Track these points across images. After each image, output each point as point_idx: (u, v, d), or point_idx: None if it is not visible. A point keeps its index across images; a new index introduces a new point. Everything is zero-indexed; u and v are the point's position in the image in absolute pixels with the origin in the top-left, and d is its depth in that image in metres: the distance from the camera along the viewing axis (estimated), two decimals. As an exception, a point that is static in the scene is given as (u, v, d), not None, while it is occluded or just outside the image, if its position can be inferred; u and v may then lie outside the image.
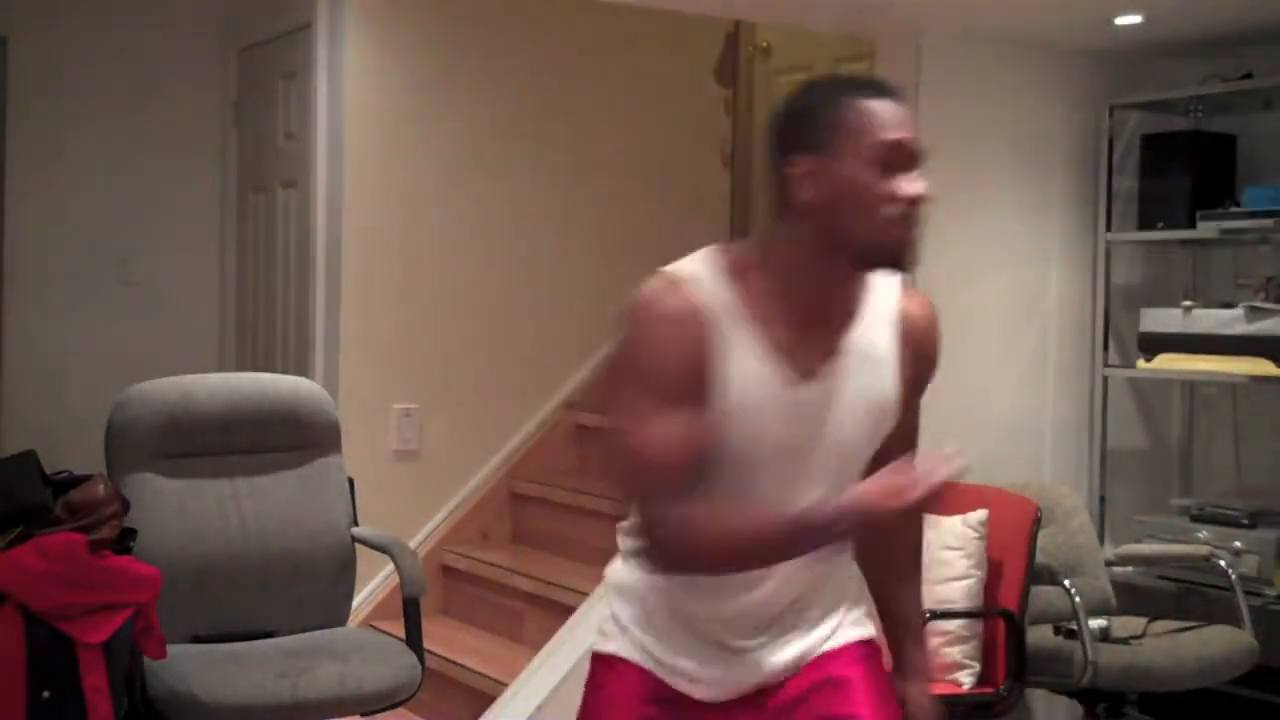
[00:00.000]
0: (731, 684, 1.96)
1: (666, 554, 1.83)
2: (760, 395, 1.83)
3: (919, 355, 1.95)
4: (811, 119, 1.82)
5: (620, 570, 2.02)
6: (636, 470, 1.81)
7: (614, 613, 2.01)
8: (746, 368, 1.82)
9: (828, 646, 1.99)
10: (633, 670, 1.97)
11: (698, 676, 1.95)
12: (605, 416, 1.80)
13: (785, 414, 1.85)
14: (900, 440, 1.97)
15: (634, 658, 1.97)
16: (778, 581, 1.91)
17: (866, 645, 2.04)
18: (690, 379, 1.80)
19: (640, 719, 1.95)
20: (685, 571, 1.88)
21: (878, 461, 1.90)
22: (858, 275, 1.88)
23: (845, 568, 2.04)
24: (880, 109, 1.81)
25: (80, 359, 4.86)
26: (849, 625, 2.03)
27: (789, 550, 1.83)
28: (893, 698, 2.02)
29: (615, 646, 1.99)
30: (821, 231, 1.82)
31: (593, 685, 2.04)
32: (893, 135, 1.81)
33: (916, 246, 1.85)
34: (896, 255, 1.83)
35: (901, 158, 1.82)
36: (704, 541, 1.80)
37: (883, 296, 1.93)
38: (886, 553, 2.09)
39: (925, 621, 2.01)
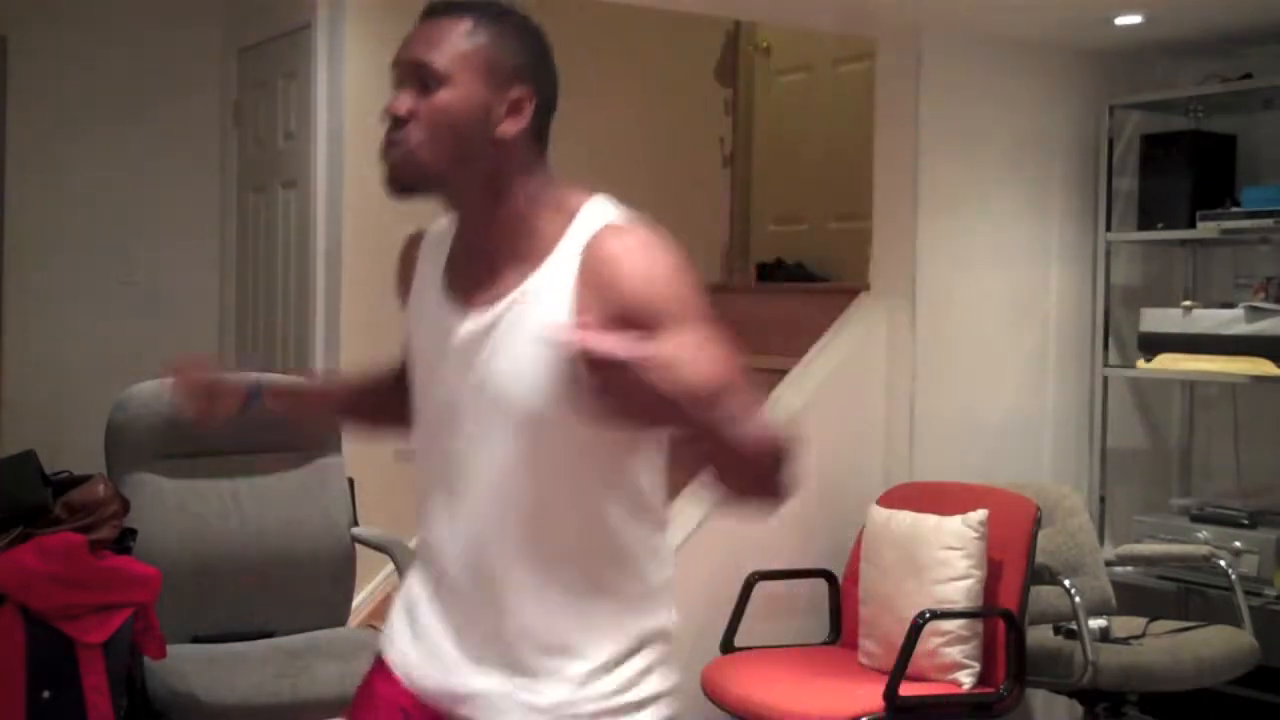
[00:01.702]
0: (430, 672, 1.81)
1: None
2: (423, 326, 1.81)
3: (602, 293, 1.61)
4: None
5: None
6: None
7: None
8: (422, 294, 1.82)
9: None
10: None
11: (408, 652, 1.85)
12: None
13: (440, 347, 1.76)
14: None
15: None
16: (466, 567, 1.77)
17: None
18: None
19: None
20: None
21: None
22: (508, 210, 1.70)
23: (565, 602, 1.71)
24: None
25: (80, 359, 4.85)
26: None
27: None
28: None
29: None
30: None
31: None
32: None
33: (395, 164, 1.72)
34: (385, 181, 1.75)
35: (394, 71, 1.73)
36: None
37: (579, 234, 1.67)
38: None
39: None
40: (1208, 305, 4.30)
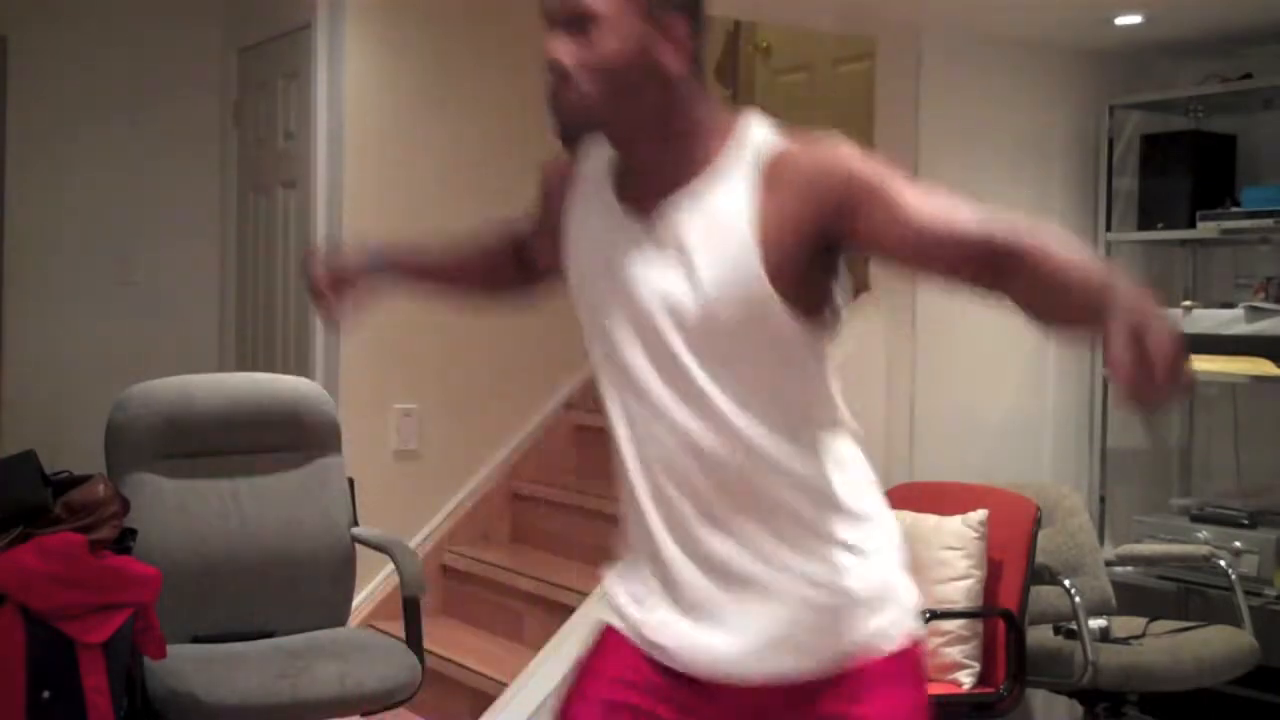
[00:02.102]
0: (683, 648, 1.73)
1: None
2: (592, 248, 1.78)
3: (784, 189, 1.63)
4: None
5: None
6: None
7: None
8: (587, 219, 1.80)
9: (804, 665, 1.69)
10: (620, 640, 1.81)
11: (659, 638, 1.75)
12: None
13: (617, 264, 1.73)
14: (911, 227, 1.61)
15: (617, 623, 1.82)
16: (660, 499, 1.73)
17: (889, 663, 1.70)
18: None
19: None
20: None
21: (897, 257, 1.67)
22: (676, 139, 1.70)
23: (796, 512, 1.70)
24: None
25: (80, 359, 4.86)
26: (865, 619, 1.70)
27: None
28: None
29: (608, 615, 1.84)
30: None
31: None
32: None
33: (563, 110, 1.71)
34: (555, 126, 1.74)
35: (545, 22, 1.71)
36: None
37: (748, 151, 1.67)
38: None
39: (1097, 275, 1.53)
40: (1208, 305, 4.30)
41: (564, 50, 1.67)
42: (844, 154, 1.64)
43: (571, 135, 1.74)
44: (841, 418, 1.78)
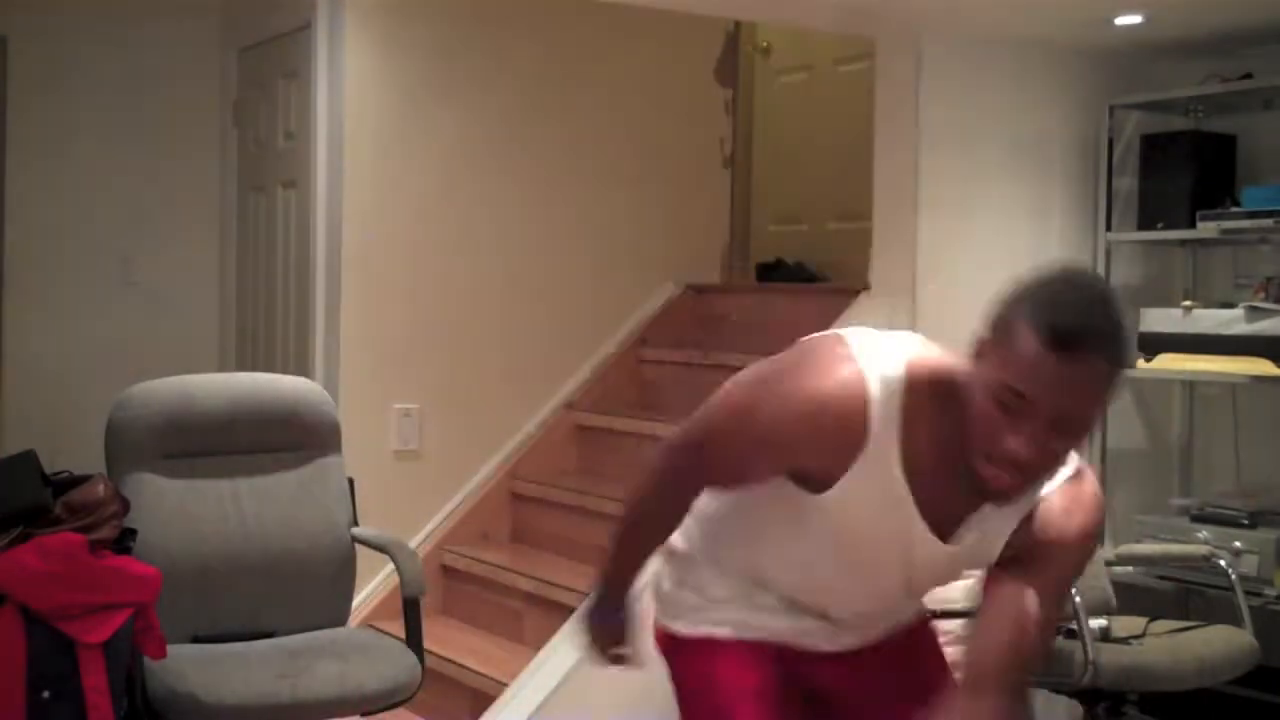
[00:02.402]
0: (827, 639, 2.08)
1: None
2: (874, 514, 1.84)
3: (1042, 546, 1.87)
4: (1006, 309, 1.74)
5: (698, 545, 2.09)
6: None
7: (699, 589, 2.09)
8: (872, 484, 1.81)
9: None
10: (735, 644, 2.06)
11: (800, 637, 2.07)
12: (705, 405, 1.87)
13: (891, 539, 1.88)
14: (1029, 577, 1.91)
15: (727, 633, 2.06)
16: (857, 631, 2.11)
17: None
18: (781, 468, 1.86)
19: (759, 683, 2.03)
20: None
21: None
22: None
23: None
24: (1039, 355, 1.64)
25: (80, 359, 4.86)
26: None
27: None
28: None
29: (708, 628, 2.07)
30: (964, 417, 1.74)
31: (699, 669, 2.08)
32: (1021, 385, 1.64)
33: (1006, 491, 1.76)
34: (981, 486, 1.76)
35: (1018, 407, 1.65)
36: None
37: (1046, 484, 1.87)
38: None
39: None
40: (1208, 305, 4.30)
41: (1040, 448, 1.68)
42: (1076, 537, 1.88)
43: (983, 497, 1.82)
44: None
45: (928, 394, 1.78)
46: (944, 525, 1.86)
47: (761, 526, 1.99)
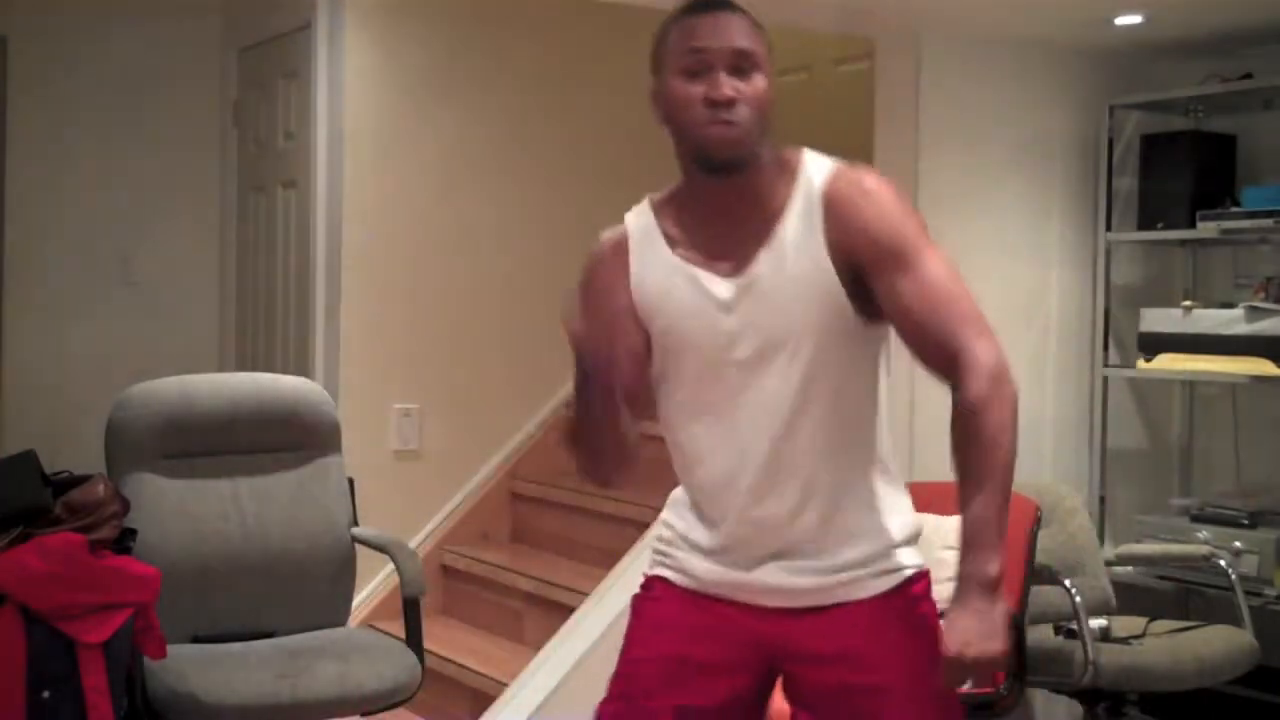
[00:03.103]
0: (747, 554, 2.02)
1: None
2: (671, 301, 2.00)
3: (845, 228, 1.93)
4: (653, 49, 2.00)
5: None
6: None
7: (660, 532, 2.16)
8: (658, 279, 2.02)
9: (851, 595, 2.01)
10: (670, 589, 2.09)
11: (714, 547, 2.04)
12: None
13: (703, 311, 1.98)
14: (915, 311, 1.92)
15: (669, 575, 2.10)
16: (764, 476, 1.99)
17: (899, 597, 2.04)
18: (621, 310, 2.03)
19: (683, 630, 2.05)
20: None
21: (913, 329, 1.94)
22: (751, 174, 1.95)
23: (862, 479, 2.04)
24: (690, 23, 1.93)
25: (80, 359, 4.85)
26: (877, 565, 2.03)
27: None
28: (939, 697, 1.97)
29: (657, 569, 2.12)
30: (677, 145, 2.00)
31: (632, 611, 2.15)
32: (693, 43, 1.91)
33: (731, 142, 1.91)
34: (711, 154, 1.93)
35: (702, 63, 1.91)
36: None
37: (812, 184, 1.96)
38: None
39: (991, 529, 1.86)
40: (1208, 305, 4.30)
41: (731, 86, 1.90)
42: (878, 206, 1.93)
43: (729, 163, 1.94)
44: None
45: (669, 196, 2.09)
46: (736, 265, 1.97)
47: (665, 414, 2.08)
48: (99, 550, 2.88)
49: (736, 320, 1.96)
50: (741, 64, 1.91)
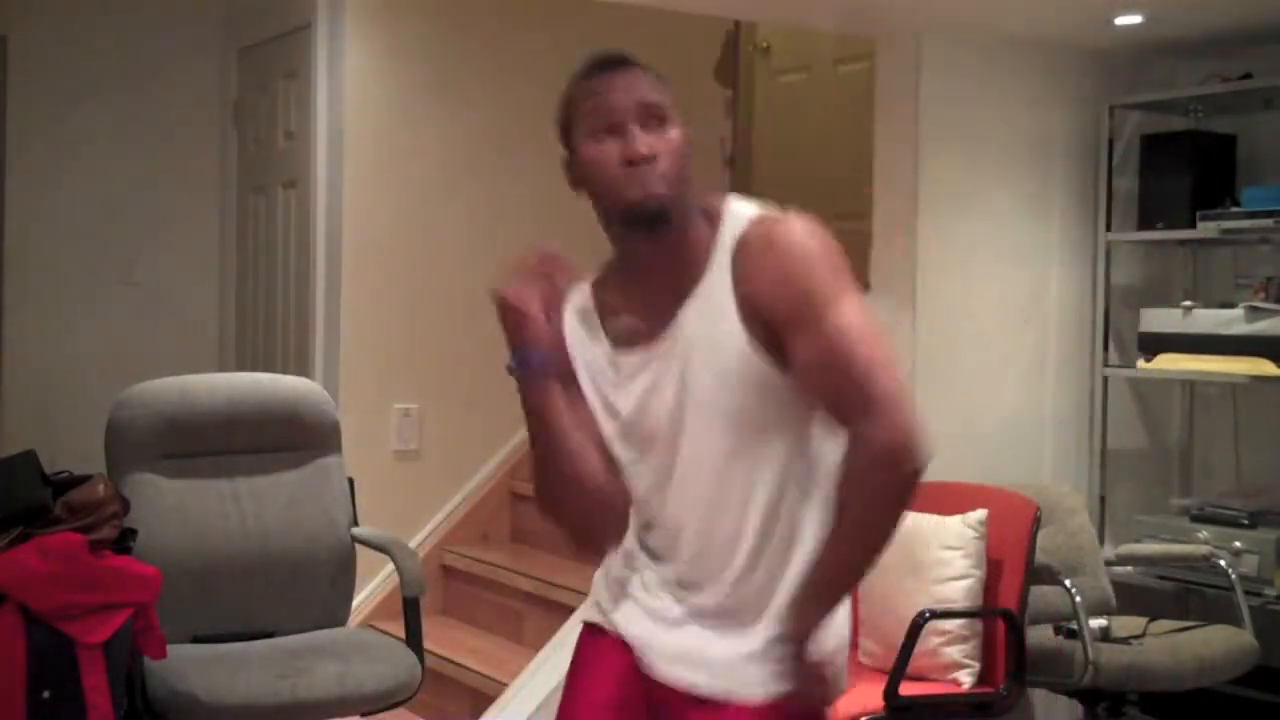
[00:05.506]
0: (639, 633, 1.98)
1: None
2: (594, 374, 1.96)
3: (750, 282, 1.84)
4: (558, 118, 1.97)
5: None
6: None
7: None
8: (585, 351, 1.98)
9: (727, 694, 1.87)
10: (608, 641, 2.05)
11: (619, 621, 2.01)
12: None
13: (618, 383, 1.94)
14: (811, 373, 1.81)
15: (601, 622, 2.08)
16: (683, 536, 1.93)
17: (770, 714, 1.86)
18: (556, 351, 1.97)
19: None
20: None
21: (811, 393, 1.84)
22: (676, 227, 1.88)
23: (773, 565, 1.90)
24: (593, 84, 1.90)
25: (80, 359, 4.86)
26: (754, 670, 1.87)
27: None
28: None
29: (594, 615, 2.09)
30: (598, 209, 1.93)
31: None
32: (600, 103, 1.88)
33: (655, 197, 1.85)
34: (635, 211, 1.86)
35: (612, 123, 1.87)
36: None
37: (729, 235, 1.89)
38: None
39: (826, 584, 1.82)
40: (1208, 305, 4.30)
41: (645, 143, 1.85)
42: (788, 266, 1.84)
43: (650, 220, 1.86)
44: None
45: (604, 269, 2.02)
46: (655, 328, 1.91)
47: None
48: (99, 550, 2.88)
49: (668, 381, 1.89)
50: (652, 118, 1.86)
